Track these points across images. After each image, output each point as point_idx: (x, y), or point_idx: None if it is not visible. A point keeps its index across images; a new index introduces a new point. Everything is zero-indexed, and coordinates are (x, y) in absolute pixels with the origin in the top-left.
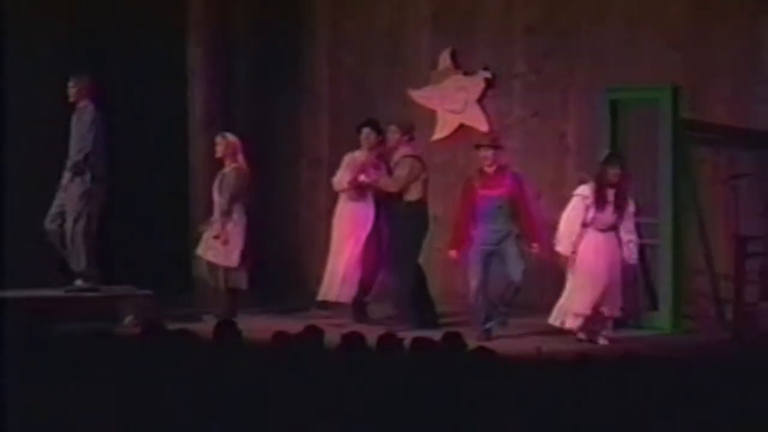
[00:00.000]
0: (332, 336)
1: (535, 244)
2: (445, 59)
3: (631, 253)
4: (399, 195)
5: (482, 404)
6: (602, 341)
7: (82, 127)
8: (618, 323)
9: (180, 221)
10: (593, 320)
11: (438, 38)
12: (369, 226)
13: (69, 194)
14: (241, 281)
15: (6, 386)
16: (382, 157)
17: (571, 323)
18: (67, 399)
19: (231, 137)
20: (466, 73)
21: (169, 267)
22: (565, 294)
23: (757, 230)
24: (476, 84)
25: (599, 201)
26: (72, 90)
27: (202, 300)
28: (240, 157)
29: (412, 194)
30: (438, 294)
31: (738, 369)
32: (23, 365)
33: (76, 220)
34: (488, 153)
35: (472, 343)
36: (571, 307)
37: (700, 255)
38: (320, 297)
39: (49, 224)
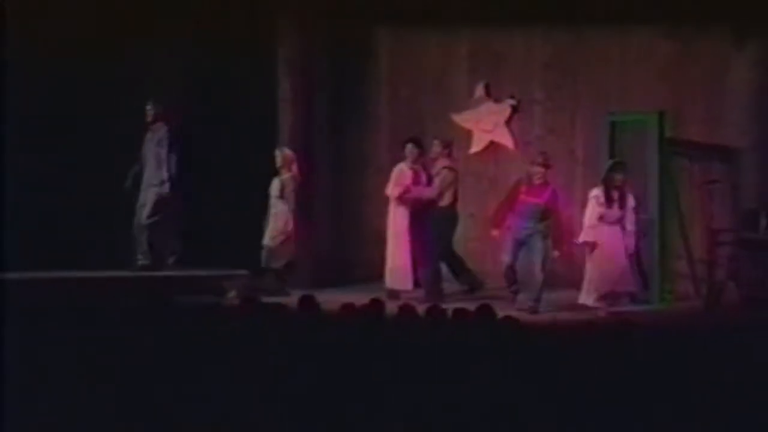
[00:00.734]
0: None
1: (556, 252)
2: (479, 90)
3: (632, 241)
4: (434, 201)
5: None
6: (602, 313)
7: (158, 145)
8: (631, 298)
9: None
10: (611, 296)
11: (474, 73)
12: (413, 225)
13: (150, 200)
14: (291, 264)
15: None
16: (424, 167)
17: (594, 300)
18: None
19: (288, 151)
20: (496, 101)
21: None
22: (587, 277)
23: (726, 224)
24: (504, 109)
25: (607, 200)
26: (149, 112)
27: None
28: (294, 167)
29: (445, 200)
30: None
31: (710, 333)
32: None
33: (158, 222)
34: (540, 169)
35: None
36: (591, 286)
37: (681, 244)
38: (387, 285)
39: (138, 222)
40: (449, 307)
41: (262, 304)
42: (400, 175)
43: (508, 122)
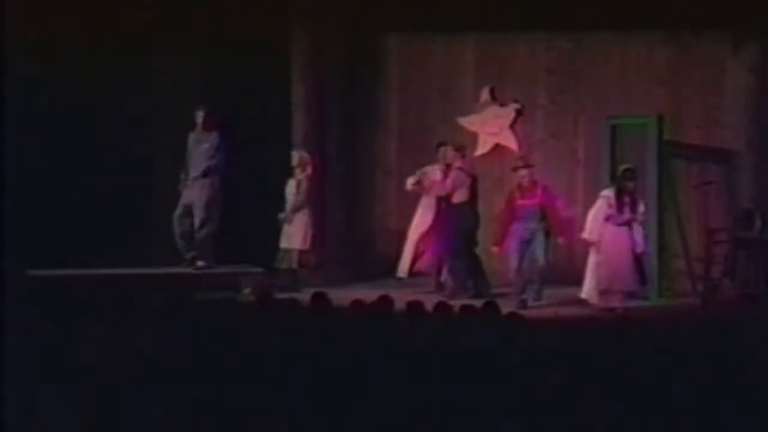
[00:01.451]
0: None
1: (561, 239)
2: (485, 94)
3: (640, 243)
4: (448, 198)
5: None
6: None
7: (207, 150)
8: (631, 296)
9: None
10: (611, 293)
11: (479, 79)
12: (431, 220)
13: (195, 202)
14: (309, 261)
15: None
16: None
17: (595, 296)
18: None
19: (303, 153)
20: (501, 105)
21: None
22: (588, 273)
23: (721, 224)
24: (509, 113)
25: (618, 204)
26: (199, 118)
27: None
28: (309, 168)
29: (457, 197)
30: None
31: (706, 327)
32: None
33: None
34: (524, 172)
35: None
36: (592, 283)
37: (679, 242)
38: (398, 274)
39: (178, 225)
40: (456, 303)
41: (276, 300)
42: (430, 173)
43: (512, 125)
